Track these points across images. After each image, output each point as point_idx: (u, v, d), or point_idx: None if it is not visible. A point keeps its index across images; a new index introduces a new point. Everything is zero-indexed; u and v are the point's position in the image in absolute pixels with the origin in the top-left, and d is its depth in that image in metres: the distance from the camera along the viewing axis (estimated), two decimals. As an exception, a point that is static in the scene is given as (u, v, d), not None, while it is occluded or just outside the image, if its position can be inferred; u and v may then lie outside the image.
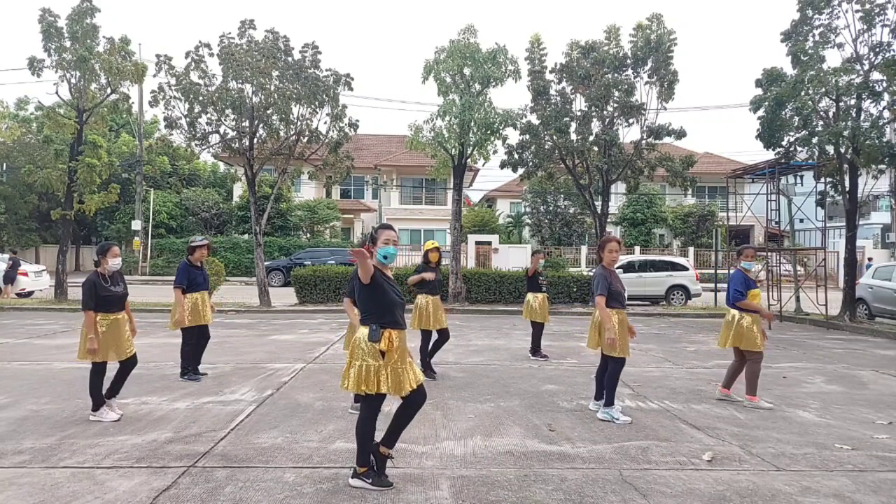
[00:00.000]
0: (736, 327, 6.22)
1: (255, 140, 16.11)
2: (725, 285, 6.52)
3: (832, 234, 30.64)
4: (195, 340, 7.25)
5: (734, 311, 6.30)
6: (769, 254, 16.80)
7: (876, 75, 13.22)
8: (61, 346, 9.60)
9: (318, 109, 16.17)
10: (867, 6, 13.04)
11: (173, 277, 7.46)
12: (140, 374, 7.27)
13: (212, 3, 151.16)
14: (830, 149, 14.01)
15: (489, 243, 29.22)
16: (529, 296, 8.98)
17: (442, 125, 16.54)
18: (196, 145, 16.02)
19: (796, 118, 14.15)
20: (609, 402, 5.61)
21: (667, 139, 16.53)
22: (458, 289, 16.76)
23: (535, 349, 9.04)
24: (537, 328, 9.00)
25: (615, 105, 16.21)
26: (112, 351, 5.39)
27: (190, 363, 7.22)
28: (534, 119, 16.60)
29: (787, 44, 14.23)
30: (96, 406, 5.41)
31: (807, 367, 8.70)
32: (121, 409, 5.66)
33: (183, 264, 7.29)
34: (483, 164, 20.89)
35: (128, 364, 5.55)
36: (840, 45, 13.74)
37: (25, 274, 18.98)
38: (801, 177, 16.75)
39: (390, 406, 4.39)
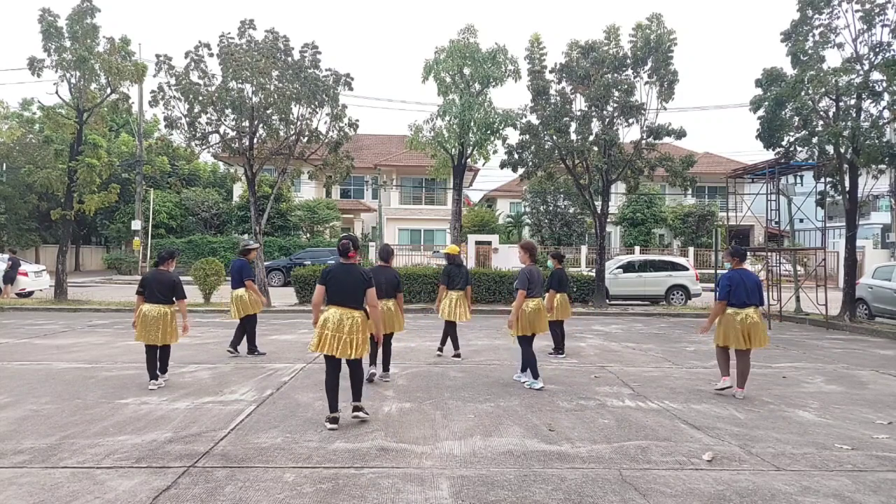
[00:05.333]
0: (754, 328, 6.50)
1: (255, 140, 16.11)
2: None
3: (832, 234, 30.62)
4: (254, 323, 8.84)
5: (748, 311, 6.53)
6: (769, 254, 16.80)
7: (876, 75, 13.20)
8: (61, 346, 9.61)
9: (317, 109, 16.17)
10: (867, 6, 13.03)
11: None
12: (140, 373, 7.28)
13: (212, 3, 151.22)
14: (830, 149, 14.00)
15: (489, 243, 29.16)
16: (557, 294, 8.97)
17: (442, 125, 16.57)
18: (196, 145, 16.02)
19: (796, 118, 14.13)
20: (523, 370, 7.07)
21: (667, 139, 16.52)
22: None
23: (559, 347, 9.12)
24: (559, 327, 9.07)
25: (615, 105, 16.19)
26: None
27: (254, 343, 8.83)
28: (534, 119, 16.59)
29: (787, 44, 14.22)
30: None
31: (806, 367, 8.70)
32: (122, 408, 5.75)
33: (244, 262, 8.86)
34: (483, 164, 20.92)
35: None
36: (840, 45, 13.73)
37: (25, 274, 18.97)
38: (801, 177, 16.71)
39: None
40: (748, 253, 6.95)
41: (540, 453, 4.65)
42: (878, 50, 13.23)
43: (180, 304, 6.77)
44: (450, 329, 8.76)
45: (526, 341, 6.99)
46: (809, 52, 13.77)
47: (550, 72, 16.55)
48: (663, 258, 20.86)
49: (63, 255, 17.06)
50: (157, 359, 6.77)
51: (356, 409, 5.35)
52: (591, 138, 16.39)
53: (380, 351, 7.13)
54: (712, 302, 18.12)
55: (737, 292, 6.54)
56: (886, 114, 13.48)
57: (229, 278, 9.22)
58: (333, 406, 5.25)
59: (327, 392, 5.28)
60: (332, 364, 5.29)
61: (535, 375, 6.89)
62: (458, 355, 8.73)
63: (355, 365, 5.38)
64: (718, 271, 20.16)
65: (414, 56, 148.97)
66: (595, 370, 8.10)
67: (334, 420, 5.20)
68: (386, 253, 7.17)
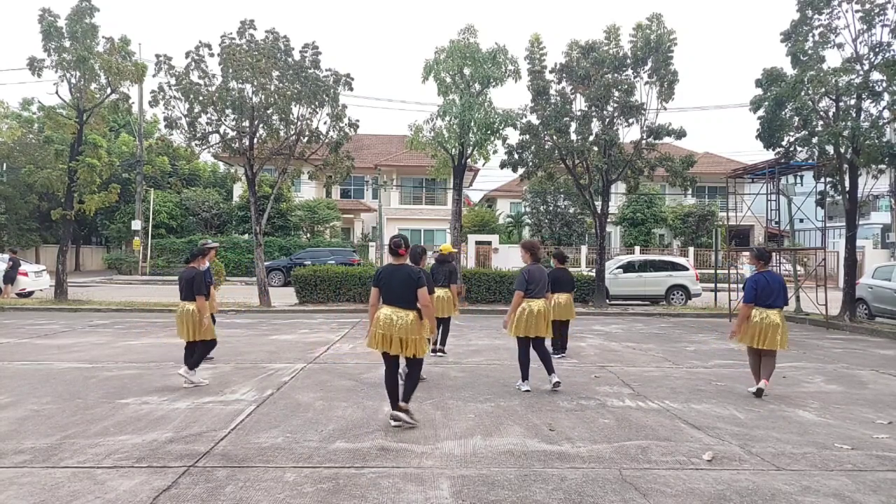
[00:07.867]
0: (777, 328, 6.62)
1: (255, 140, 16.11)
2: (739, 286, 6.83)
3: (832, 234, 30.62)
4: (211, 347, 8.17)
5: (770, 312, 6.65)
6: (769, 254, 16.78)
7: (876, 75, 13.20)
8: (61, 346, 9.61)
9: (318, 109, 16.17)
10: (867, 6, 13.03)
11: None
12: (140, 373, 7.30)
13: (212, 3, 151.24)
14: (830, 149, 14.00)
15: (489, 243, 29.24)
16: (555, 295, 8.76)
17: (442, 125, 16.55)
18: (196, 145, 16.02)
19: (796, 118, 14.13)
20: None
21: (667, 139, 16.52)
22: (457, 288, 16.77)
23: (561, 347, 9.06)
24: (564, 326, 9.00)
25: (615, 105, 16.19)
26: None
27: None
28: (534, 119, 16.59)
29: (787, 44, 14.22)
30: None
31: (807, 366, 8.70)
32: (122, 408, 5.76)
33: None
34: (483, 164, 20.89)
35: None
36: (840, 45, 13.73)
37: (25, 274, 18.96)
38: (801, 177, 16.72)
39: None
40: (772, 255, 7.00)
41: (540, 453, 4.66)
42: (878, 50, 13.22)
43: (198, 300, 6.76)
44: (442, 324, 8.94)
45: (524, 343, 6.87)
46: (809, 52, 13.77)
47: (550, 72, 16.56)
48: (663, 258, 20.88)
49: (63, 255, 17.06)
50: (189, 352, 6.94)
51: (399, 408, 5.23)
52: (591, 138, 16.39)
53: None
54: (712, 302, 18.27)
55: (763, 295, 6.64)
56: (886, 114, 13.48)
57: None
58: (394, 403, 5.30)
59: (387, 391, 5.38)
60: (388, 361, 5.33)
61: (525, 377, 6.85)
62: (439, 351, 8.98)
63: (415, 366, 5.36)
64: (719, 271, 20.23)
65: (414, 56, 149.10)
66: (595, 370, 8.10)
67: (396, 419, 5.22)
68: (416, 255, 6.47)
